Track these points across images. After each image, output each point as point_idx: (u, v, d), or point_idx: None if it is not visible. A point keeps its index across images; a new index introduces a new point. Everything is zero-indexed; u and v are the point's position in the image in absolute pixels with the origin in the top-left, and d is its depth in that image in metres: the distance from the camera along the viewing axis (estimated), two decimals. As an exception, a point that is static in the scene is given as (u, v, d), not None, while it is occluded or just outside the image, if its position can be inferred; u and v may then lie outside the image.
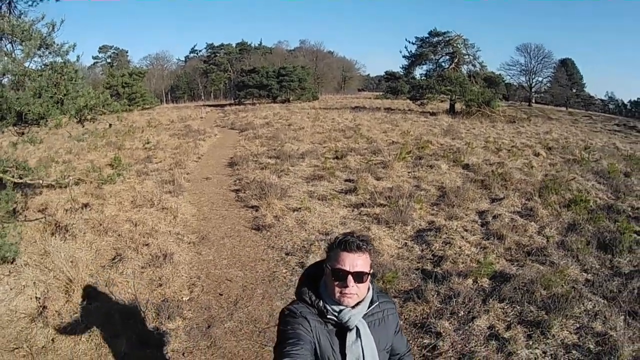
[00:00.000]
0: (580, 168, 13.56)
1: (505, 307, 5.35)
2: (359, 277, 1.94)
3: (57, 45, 5.48)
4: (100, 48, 75.58)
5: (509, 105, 52.37)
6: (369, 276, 2.00)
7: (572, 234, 7.82)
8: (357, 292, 1.96)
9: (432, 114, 33.03)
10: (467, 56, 41.13)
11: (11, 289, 5.17)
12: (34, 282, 5.28)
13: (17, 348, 4.36)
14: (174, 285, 5.55)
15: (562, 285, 5.81)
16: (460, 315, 5.08)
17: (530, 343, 4.75)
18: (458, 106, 36.86)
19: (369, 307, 2.06)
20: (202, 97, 73.66)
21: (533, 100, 62.13)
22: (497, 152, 16.14)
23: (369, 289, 2.06)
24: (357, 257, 1.94)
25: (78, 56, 5.85)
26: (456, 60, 40.41)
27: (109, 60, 75.27)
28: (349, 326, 1.97)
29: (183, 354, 4.34)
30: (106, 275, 5.53)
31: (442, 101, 39.04)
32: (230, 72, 73.05)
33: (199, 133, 20.81)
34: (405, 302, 5.31)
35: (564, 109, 55.88)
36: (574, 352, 4.63)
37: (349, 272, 1.92)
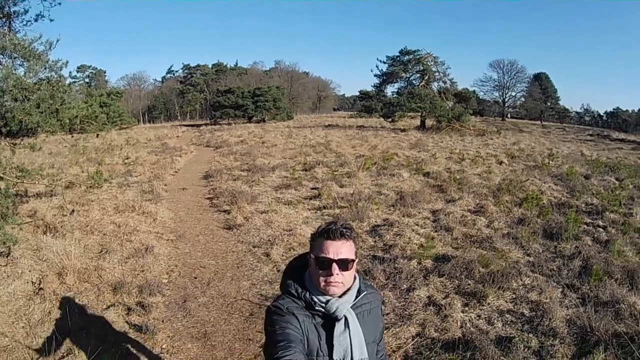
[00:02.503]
0: (540, 172, 14.60)
1: (445, 281, 6.16)
2: (343, 264, 1.93)
3: (53, 61, 6.34)
4: (78, 68, 75.26)
5: (483, 120, 53.67)
6: (354, 263, 1.99)
7: (520, 226, 8.62)
8: (343, 280, 1.95)
9: (403, 130, 34.06)
10: (437, 73, 42.50)
11: (8, 276, 5.74)
12: (30, 270, 5.89)
13: (16, 322, 4.89)
14: (154, 271, 6.36)
15: (501, 265, 6.51)
16: (402, 288, 5.89)
17: (466, 309, 5.42)
18: (429, 122, 38.01)
19: (356, 297, 2.04)
20: (179, 117, 73.87)
21: (508, 115, 63.57)
22: (460, 161, 17.10)
23: (355, 278, 2.06)
24: (340, 244, 1.94)
25: (70, 72, 6.69)
26: (426, 78, 41.63)
27: (87, 80, 75.07)
28: (337, 316, 1.95)
29: (162, 320, 5.14)
30: (95, 263, 6.27)
31: (412, 118, 40.12)
32: (206, 92, 73.66)
33: (175, 150, 21.44)
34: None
35: (538, 122, 57.25)
36: (507, 316, 5.29)
37: (333, 260, 1.91)
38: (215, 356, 4.52)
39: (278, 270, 6.57)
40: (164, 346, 4.63)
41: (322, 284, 1.93)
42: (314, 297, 1.96)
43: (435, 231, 8.42)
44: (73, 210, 8.77)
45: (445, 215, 9.30)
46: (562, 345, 4.65)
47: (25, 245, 6.70)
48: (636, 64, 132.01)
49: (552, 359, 4.49)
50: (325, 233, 1.95)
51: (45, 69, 6.20)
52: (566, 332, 4.87)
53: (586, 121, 65.83)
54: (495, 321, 5.19)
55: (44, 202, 9.18)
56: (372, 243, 7.81)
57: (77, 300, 5.35)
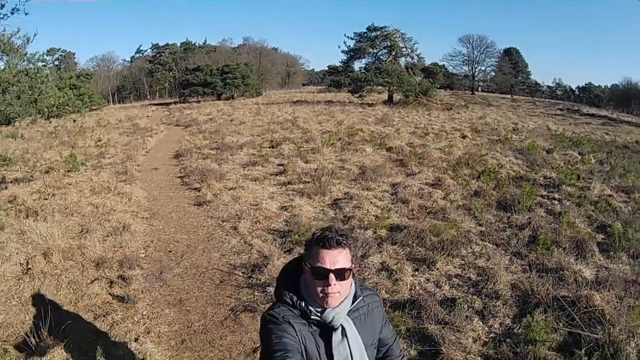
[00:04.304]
0: (502, 146, 14.91)
1: (397, 249, 6.64)
2: (340, 274, 1.85)
3: (31, 54, 6.63)
4: (47, 51, 72.57)
5: (452, 93, 53.39)
6: (351, 272, 1.92)
7: (475, 198, 9.03)
8: (340, 290, 1.87)
9: (370, 105, 34.01)
10: (404, 49, 42.49)
11: (-4, 260, 6.02)
12: (17, 253, 6.19)
13: (8, 300, 5.22)
14: (132, 247, 6.81)
15: (452, 234, 6.92)
16: (357, 255, 6.32)
17: (416, 274, 5.90)
18: (396, 97, 38.00)
19: (352, 303, 1.98)
20: (148, 97, 72.49)
21: (479, 89, 63.76)
22: (423, 136, 17.37)
23: (351, 284, 1.98)
24: (337, 253, 1.86)
25: (45, 62, 6.97)
26: (394, 53, 41.59)
27: (56, 63, 72.84)
28: (334, 326, 1.90)
29: (142, 291, 5.61)
30: (77, 242, 6.66)
31: (380, 93, 39.85)
32: (175, 71, 72.41)
33: (146, 130, 21.37)
34: None
35: (509, 96, 56.82)
36: (455, 280, 5.72)
37: (330, 270, 1.83)
38: (190, 319, 5.02)
39: (245, 242, 7.07)
40: (144, 313, 5.11)
41: (320, 295, 1.86)
42: (309, 306, 1.90)
43: (393, 203, 8.88)
44: (54, 195, 9.06)
45: (404, 188, 9.71)
46: (504, 306, 5.05)
47: (10, 230, 6.94)
48: (610, 40, 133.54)
49: (493, 318, 4.85)
50: (321, 241, 1.87)
51: (23, 61, 6.47)
52: (509, 295, 5.27)
53: (558, 95, 65.43)
54: (443, 284, 5.63)
55: (22, 187, 9.40)
56: (333, 215, 8.32)
57: (63, 277, 5.72)
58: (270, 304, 2.07)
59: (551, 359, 4.11)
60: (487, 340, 4.54)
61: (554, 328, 4.51)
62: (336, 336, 1.91)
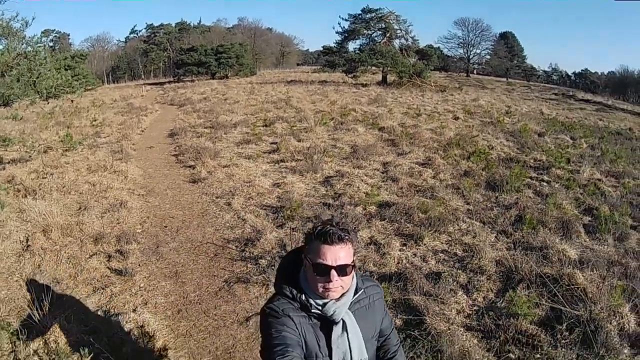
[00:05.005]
0: (494, 129, 14.91)
1: (386, 224, 6.82)
2: (342, 270, 1.79)
3: (29, 37, 6.67)
4: (42, 32, 71.58)
5: (447, 76, 52.88)
6: (353, 267, 1.86)
7: (465, 178, 9.13)
8: (342, 285, 1.82)
9: (364, 85, 33.79)
10: (399, 31, 41.78)
11: (-4, 238, 6.12)
12: (17, 231, 6.30)
13: (9, 277, 5.33)
14: (129, 223, 6.93)
15: (440, 211, 7.09)
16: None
17: (404, 248, 6.06)
18: (390, 78, 37.63)
19: (354, 295, 1.93)
20: (142, 77, 71.57)
21: (474, 72, 63.17)
22: (416, 117, 17.41)
23: (352, 277, 1.92)
24: (339, 249, 1.79)
25: (44, 45, 6.98)
26: (388, 35, 41.02)
27: (51, 44, 71.75)
28: (335, 319, 1.85)
29: (139, 264, 5.75)
30: (76, 219, 6.77)
31: (374, 73, 39.58)
32: (169, 51, 71.57)
33: (140, 110, 21.22)
34: (305, 224, 6.77)
35: (504, 79, 55.86)
36: (441, 255, 5.89)
37: (331, 267, 1.77)
38: (185, 291, 5.17)
39: (238, 217, 7.20)
40: (141, 285, 5.26)
41: (320, 289, 1.81)
42: (310, 300, 1.84)
43: (383, 181, 9.03)
44: (51, 174, 9.11)
45: (394, 167, 9.85)
46: (489, 281, 5.19)
47: (9, 209, 6.99)
48: (606, 28, 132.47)
49: (477, 292, 4.99)
50: (322, 236, 1.79)
51: (22, 44, 6.50)
52: (493, 271, 5.39)
53: (554, 80, 64.18)
54: (430, 259, 5.77)
55: (19, 167, 9.43)
56: (324, 192, 8.46)
57: (63, 253, 5.84)
58: (269, 297, 2.00)
59: (532, 333, 4.25)
60: (470, 312, 4.68)
61: (537, 303, 4.62)
62: (336, 330, 1.86)
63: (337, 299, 1.85)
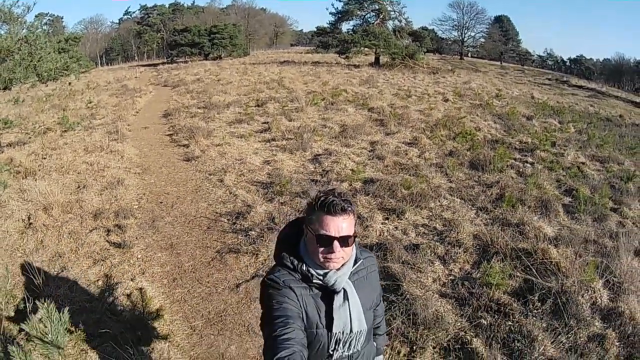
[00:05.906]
0: (483, 111, 15.01)
1: (370, 199, 7.02)
2: (344, 241, 1.77)
3: (30, 22, 6.82)
4: (36, 16, 70.19)
5: (441, 58, 52.64)
6: (355, 238, 1.85)
7: (449, 157, 9.31)
8: (343, 256, 1.80)
9: (357, 66, 33.68)
10: (392, 12, 41.58)
11: (0, 217, 6.33)
12: (19, 210, 6.50)
13: (13, 253, 5.54)
14: (126, 199, 7.16)
15: (422, 188, 7.29)
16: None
17: (386, 222, 6.29)
18: (383, 59, 37.62)
19: (353, 266, 1.91)
20: (136, 58, 70.90)
21: (468, 55, 62.84)
22: (406, 98, 17.55)
23: (353, 247, 1.89)
24: (342, 220, 1.76)
25: (45, 30, 7.14)
26: (382, 16, 40.80)
27: (45, 27, 70.78)
28: (336, 289, 1.83)
29: (136, 237, 6.01)
30: (75, 197, 7.00)
31: (367, 54, 39.36)
32: (163, 32, 70.78)
33: (135, 91, 21.20)
34: (293, 199, 7.01)
35: (498, 63, 55.67)
36: (421, 229, 6.10)
37: (334, 238, 1.75)
38: (180, 261, 5.46)
39: (230, 193, 7.45)
40: (139, 256, 5.53)
41: (322, 259, 1.78)
42: (311, 269, 1.82)
43: (369, 159, 9.25)
44: (50, 155, 9.27)
45: (382, 146, 10.05)
46: (465, 253, 5.38)
47: (10, 190, 7.21)
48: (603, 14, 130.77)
49: (454, 263, 5.20)
50: (325, 207, 1.75)
51: (23, 29, 6.65)
52: (471, 244, 5.58)
53: (548, 65, 63.45)
54: (410, 232, 6.00)
55: (17, 150, 9.58)
56: (312, 169, 8.71)
57: (64, 228, 6.07)
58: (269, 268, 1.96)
59: (505, 302, 4.48)
60: (446, 281, 4.91)
61: (510, 274, 4.79)
62: (338, 299, 1.83)
63: (338, 269, 1.83)
